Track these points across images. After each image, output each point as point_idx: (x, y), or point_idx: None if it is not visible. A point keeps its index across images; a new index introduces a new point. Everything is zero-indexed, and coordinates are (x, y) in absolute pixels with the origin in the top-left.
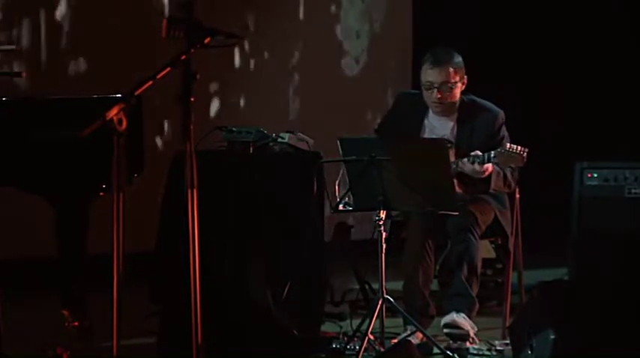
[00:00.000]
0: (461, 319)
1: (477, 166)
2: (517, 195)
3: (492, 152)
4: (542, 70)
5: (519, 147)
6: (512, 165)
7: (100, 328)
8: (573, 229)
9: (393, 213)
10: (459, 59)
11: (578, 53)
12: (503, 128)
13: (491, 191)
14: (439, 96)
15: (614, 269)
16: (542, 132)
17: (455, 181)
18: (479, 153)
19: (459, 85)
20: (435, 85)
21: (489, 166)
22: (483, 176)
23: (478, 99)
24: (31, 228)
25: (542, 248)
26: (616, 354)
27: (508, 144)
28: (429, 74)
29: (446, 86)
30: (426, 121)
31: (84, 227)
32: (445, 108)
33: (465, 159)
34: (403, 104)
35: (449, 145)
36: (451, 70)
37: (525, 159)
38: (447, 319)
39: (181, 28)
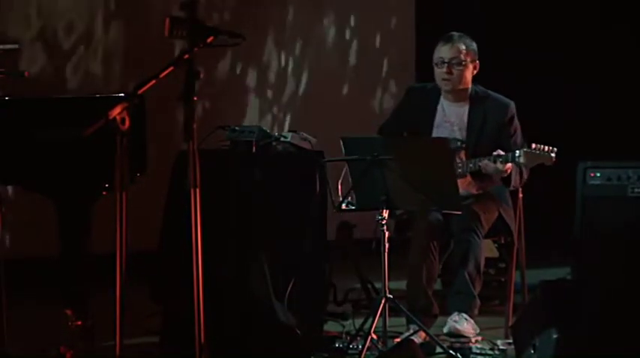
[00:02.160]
0: (462, 324)
1: (499, 165)
2: (520, 195)
3: (517, 152)
4: (544, 69)
5: (547, 147)
6: (534, 165)
7: (103, 327)
8: (576, 228)
9: (398, 212)
10: (472, 43)
11: (581, 52)
12: (516, 120)
13: (511, 188)
14: (447, 71)
15: (616, 268)
16: (544, 131)
17: (469, 178)
18: (501, 152)
19: (470, 66)
20: (445, 60)
21: (509, 165)
22: (505, 175)
23: (490, 91)
24: (34, 227)
25: (545, 247)
26: (619, 353)
27: (534, 145)
28: (441, 50)
29: (456, 61)
30: (438, 108)
31: (87, 226)
32: (456, 91)
33: (487, 160)
34: (414, 97)
35: (462, 145)
36: (462, 47)
37: (554, 159)
38: (449, 327)
39: (184, 28)
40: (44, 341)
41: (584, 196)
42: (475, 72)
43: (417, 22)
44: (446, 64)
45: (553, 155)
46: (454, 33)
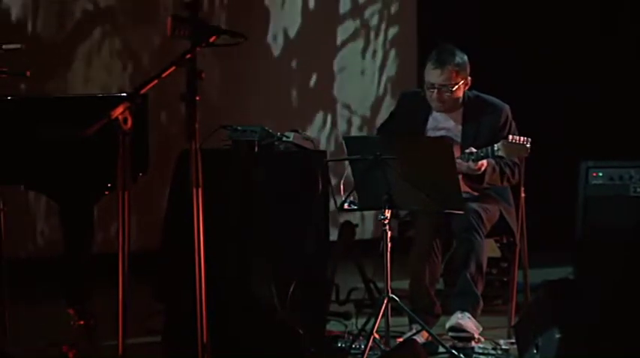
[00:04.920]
0: (465, 321)
1: (471, 164)
2: (522, 194)
3: (495, 145)
4: (547, 68)
5: (522, 138)
6: (516, 158)
7: (105, 327)
8: (578, 228)
9: (402, 213)
10: (463, 60)
11: (584, 51)
12: (510, 122)
13: (485, 185)
14: (438, 96)
15: (618, 267)
16: (547, 131)
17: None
18: (472, 149)
19: (461, 86)
20: (436, 86)
21: (484, 162)
22: (478, 173)
23: (483, 95)
24: (37, 226)
25: (548, 247)
26: (621, 353)
27: (510, 136)
28: (431, 74)
29: (446, 88)
30: (430, 118)
31: (89, 226)
32: (448, 107)
33: (459, 160)
34: (407, 103)
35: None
36: (453, 71)
37: (529, 150)
38: (451, 322)
39: (186, 27)
40: (47, 341)
41: (586, 196)
42: (467, 87)
43: (419, 29)
44: (436, 90)
45: (528, 146)
46: (444, 54)
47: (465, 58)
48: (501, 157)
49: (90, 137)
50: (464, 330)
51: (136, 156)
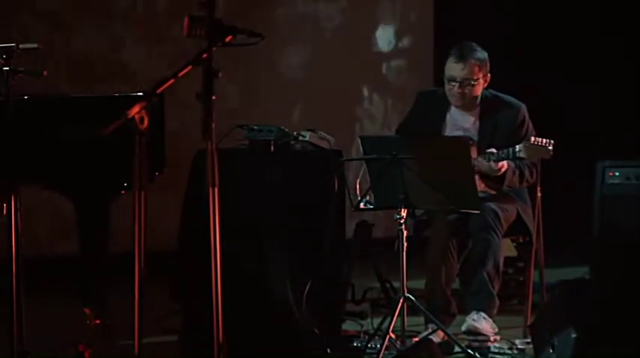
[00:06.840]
0: (481, 322)
1: (492, 164)
2: (539, 194)
3: (517, 146)
4: (564, 68)
5: (544, 140)
6: (535, 159)
7: (122, 326)
8: (595, 228)
9: (418, 212)
10: (484, 56)
11: (602, 51)
12: (527, 121)
13: (505, 188)
14: (459, 91)
15: (635, 267)
16: (564, 130)
17: (477, 177)
18: (493, 150)
19: (482, 81)
20: (458, 80)
21: (504, 163)
22: (499, 173)
23: (500, 94)
24: (53, 226)
25: (564, 246)
26: (637, 353)
27: (533, 138)
28: (452, 68)
29: (468, 82)
30: (448, 116)
31: (105, 225)
32: (466, 103)
33: (480, 158)
34: (424, 102)
35: (470, 142)
36: (475, 66)
37: (551, 152)
38: (467, 325)
39: (203, 27)
40: (63, 340)
41: (602, 195)
42: (486, 85)
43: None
44: (457, 84)
45: (550, 148)
46: (466, 48)
47: (486, 54)
48: (522, 159)
49: (107, 136)
50: (479, 333)
51: (152, 156)
